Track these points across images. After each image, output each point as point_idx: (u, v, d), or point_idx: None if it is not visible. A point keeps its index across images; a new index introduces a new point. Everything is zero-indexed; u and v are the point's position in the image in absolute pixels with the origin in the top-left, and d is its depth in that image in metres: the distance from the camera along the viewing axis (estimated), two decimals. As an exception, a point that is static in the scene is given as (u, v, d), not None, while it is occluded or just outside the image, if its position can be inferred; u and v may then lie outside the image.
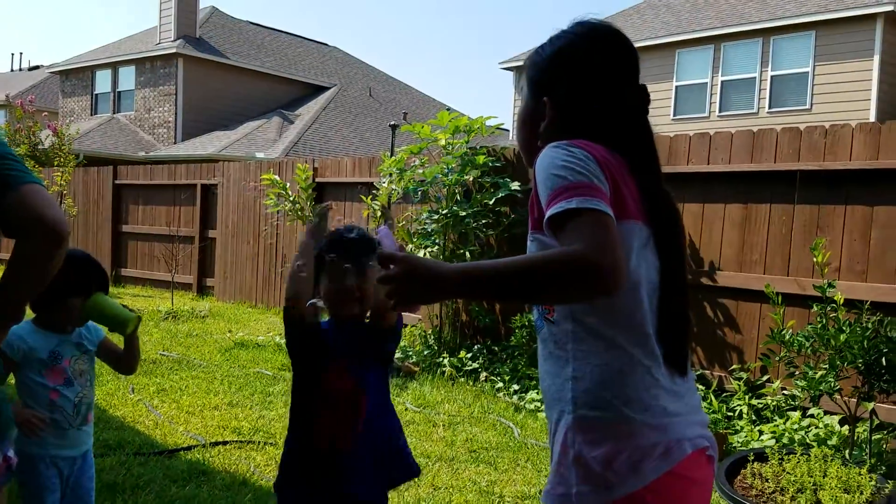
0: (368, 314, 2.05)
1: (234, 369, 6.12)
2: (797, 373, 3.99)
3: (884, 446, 4.15)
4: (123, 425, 4.47)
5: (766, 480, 3.42)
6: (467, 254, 6.26)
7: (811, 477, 3.33)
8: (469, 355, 6.32)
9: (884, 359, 3.64)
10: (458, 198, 6.49)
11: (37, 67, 35.60)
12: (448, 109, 7.84)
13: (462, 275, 1.25)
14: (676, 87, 16.36)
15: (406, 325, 7.12)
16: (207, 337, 7.44)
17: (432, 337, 6.78)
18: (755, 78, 15.31)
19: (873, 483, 3.30)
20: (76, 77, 23.77)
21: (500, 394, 5.65)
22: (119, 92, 22.73)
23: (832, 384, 3.78)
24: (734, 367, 5.10)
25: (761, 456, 3.63)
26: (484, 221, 6.36)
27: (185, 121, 21.21)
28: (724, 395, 5.04)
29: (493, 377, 5.93)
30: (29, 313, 2.23)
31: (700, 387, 4.99)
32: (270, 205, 7.91)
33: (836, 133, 4.76)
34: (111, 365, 2.59)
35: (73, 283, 2.25)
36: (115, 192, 11.72)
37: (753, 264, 5.12)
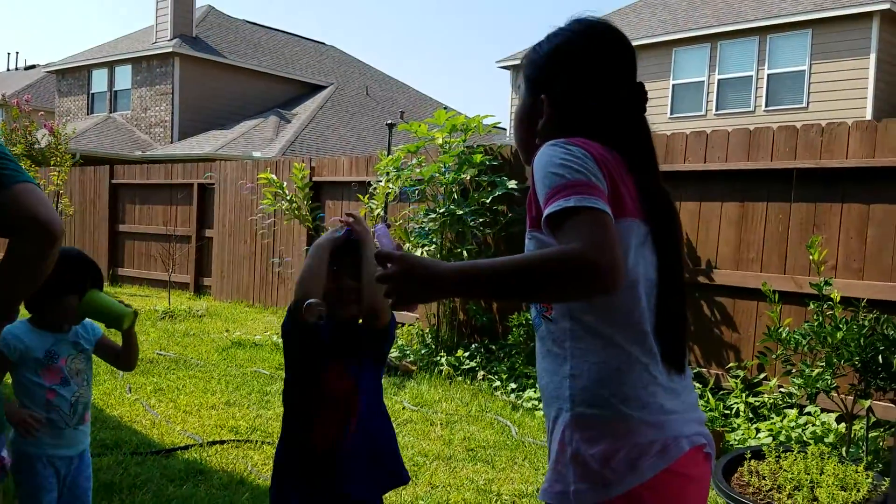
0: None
1: (231, 369, 6.12)
2: (794, 370, 4.00)
3: (880, 444, 4.16)
4: (120, 425, 4.46)
5: (763, 478, 3.42)
6: (465, 252, 6.26)
7: (808, 474, 3.34)
8: (466, 354, 6.32)
9: (880, 356, 3.65)
10: (456, 196, 6.48)
11: (33, 67, 35.49)
12: (445, 108, 7.82)
13: (460, 273, 1.25)
14: (673, 85, 16.38)
15: (403, 325, 7.11)
16: (204, 336, 7.43)
17: (430, 336, 6.77)
18: (752, 76, 15.33)
19: (870, 480, 3.31)
20: (72, 76, 23.71)
21: (498, 392, 5.65)
22: (115, 91, 22.68)
23: (829, 382, 3.80)
24: (731, 364, 5.11)
25: (758, 454, 3.64)
26: (481, 220, 6.35)
27: (182, 120, 21.17)
28: (721, 392, 5.04)
29: (490, 376, 5.93)
30: (25, 313, 2.23)
31: (697, 385, 5.00)
32: (267, 204, 7.90)
33: (833, 131, 4.77)
34: (110, 362, 2.59)
35: (67, 281, 2.24)
36: (112, 191, 11.70)
37: (750, 262, 5.12)
